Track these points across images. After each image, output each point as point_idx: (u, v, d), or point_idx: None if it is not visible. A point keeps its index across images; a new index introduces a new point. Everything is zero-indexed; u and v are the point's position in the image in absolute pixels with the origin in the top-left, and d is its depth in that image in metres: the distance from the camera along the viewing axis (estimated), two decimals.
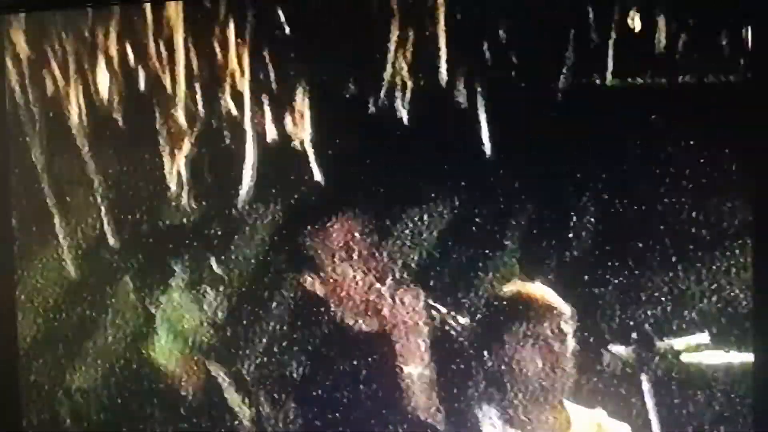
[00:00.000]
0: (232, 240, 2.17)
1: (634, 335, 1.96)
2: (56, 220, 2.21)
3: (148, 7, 2.09)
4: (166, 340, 2.24)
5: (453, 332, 2.00)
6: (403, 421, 1.98)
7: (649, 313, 1.93)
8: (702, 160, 1.88)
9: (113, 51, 2.12)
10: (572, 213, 1.93)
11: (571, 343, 2.02)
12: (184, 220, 2.15)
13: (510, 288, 2.04)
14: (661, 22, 1.83)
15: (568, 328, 2.01)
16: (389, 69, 1.98)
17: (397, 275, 1.99)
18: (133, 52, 2.11)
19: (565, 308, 2.01)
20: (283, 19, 2.03)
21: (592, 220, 1.96)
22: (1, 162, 2.21)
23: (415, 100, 1.98)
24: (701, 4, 1.82)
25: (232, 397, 2.18)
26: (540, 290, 2.03)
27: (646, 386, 1.98)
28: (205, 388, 2.20)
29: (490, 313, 2.05)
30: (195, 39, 2.07)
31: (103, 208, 2.17)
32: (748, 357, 1.93)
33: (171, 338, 2.23)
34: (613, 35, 1.84)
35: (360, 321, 1.99)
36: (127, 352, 2.24)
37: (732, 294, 1.90)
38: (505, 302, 2.05)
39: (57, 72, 2.17)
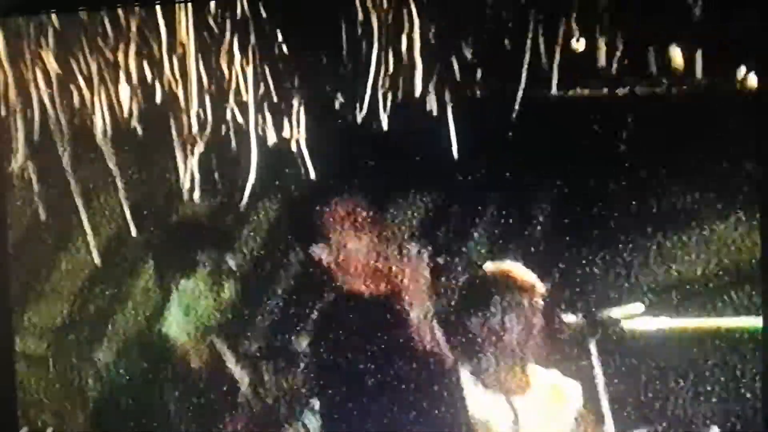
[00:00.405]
0: (238, 229, 2.51)
1: (581, 306, 2.32)
2: (83, 216, 2.53)
3: (162, 29, 2.42)
4: (178, 318, 2.57)
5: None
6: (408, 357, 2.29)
7: (594, 287, 2.29)
8: (637, 156, 2.24)
9: (132, 68, 2.45)
10: (528, 205, 2.29)
11: (541, 314, 2.36)
12: (197, 213, 2.50)
13: (492, 266, 2.38)
14: (601, 43, 2.18)
15: (541, 302, 2.35)
16: (371, 83, 2.33)
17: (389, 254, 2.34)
18: (150, 69, 2.44)
19: (540, 286, 2.35)
20: (281, 40, 2.36)
21: (546, 209, 2.31)
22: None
23: (393, 109, 2.32)
24: (632, 27, 2.17)
25: (234, 368, 2.51)
26: (518, 269, 2.37)
27: (593, 349, 2.33)
28: (210, 360, 2.54)
29: (475, 285, 2.38)
30: (205, 57, 2.41)
31: (125, 205, 2.50)
32: (680, 323, 2.29)
33: (183, 317, 2.57)
34: (558, 55, 2.19)
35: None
36: (144, 329, 2.57)
37: (663, 270, 2.26)
38: (487, 277, 2.39)
39: (83, 86, 2.49)
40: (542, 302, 2.39)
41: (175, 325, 2.57)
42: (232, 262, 2.53)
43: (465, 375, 2.43)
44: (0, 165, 2.56)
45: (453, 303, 2.38)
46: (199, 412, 2.52)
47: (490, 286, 2.39)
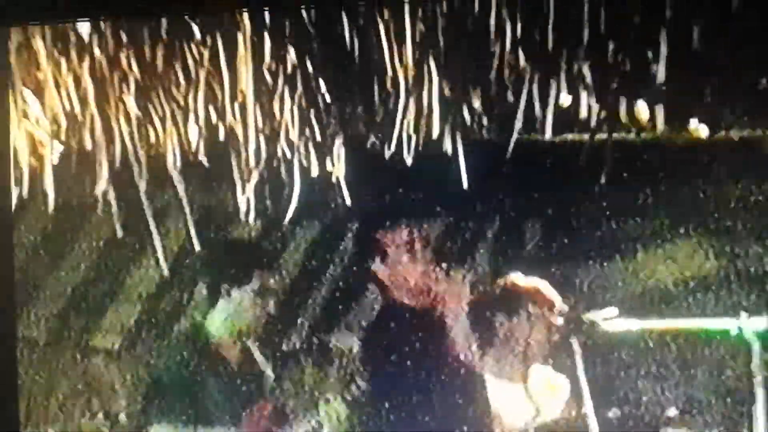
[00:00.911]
0: (283, 246, 3.04)
1: (566, 311, 2.85)
2: (155, 234, 3.05)
3: (226, 79, 2.95)
4: (223, 318, 3.06)
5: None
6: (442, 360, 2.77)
7: (576, 295, 2.83)
8: (612, 188, 2.78)
9: (200, 111, 2.99)
10: (523, 227, 2.83)
11: (554, 321, 2.85)
12: (251, 232, 3.02)
13: (522, 281, 2.87)
14: (583, 99, 2.74)
15: (556, 311, 2.84)
16: (398, 127, 2.87)
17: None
18: (215, 113, 2.98)
19: (557, 298, 2.85)
20: (324, 90, 2.91)
21: (538, 231, 2.85)
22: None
23: (416, 148, 2.87)
24: (608, 86, 2.73)
25: (262, 363, 3.00)
26: (537, 283, 2.86)
27: (575, 346, 2.86)
28: (243, 356, 3.02)
29: (505, 298, 2.86)
30: (260, 103, 2.94)
31: (191, 225, 3.02)
32: (647, 324, 2.82)
33: (229, 322, 3.06)
34: (551, 107, 2.74)
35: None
36: (198, 330, 3.07)
37: (633, 281, 2.80)
38: (516, 291, 2.87)
39: (158, 125, 3.02)
40: (558, 312, 2.87)
41: (221, 328, 3.05)
42: (275, 274, 3.04)
43: (488, 373, 2.93)
44: (85, 190, 3.07)
45: (483, 312, 2.87)
46: (232, 399, 3.01)
47: (518, 299, 2.88)
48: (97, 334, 3.11)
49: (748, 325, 2.70)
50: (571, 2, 2.68)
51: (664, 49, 2.66)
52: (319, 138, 2.92)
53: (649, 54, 2.67)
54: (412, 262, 2.83)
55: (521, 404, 2.94)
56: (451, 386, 2.81)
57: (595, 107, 2.74)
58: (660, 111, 2.70)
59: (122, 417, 3.06)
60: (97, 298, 3.10)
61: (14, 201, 3.02)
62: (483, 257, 2.86)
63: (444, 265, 2.86)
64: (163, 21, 2.92)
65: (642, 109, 2.72)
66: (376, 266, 2.86)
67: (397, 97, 2.86)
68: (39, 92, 3.04)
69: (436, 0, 2.78)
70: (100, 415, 3.08)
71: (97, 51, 2.98)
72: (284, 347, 3.04)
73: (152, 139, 3.03)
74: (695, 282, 2.76)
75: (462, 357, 2.84)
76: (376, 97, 2.87)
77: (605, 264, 2.79)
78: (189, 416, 2.98)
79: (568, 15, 2.70)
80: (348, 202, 2.91)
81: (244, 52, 2.91)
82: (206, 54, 2.94)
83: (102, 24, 2.93)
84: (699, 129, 2.69)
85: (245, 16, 2.89)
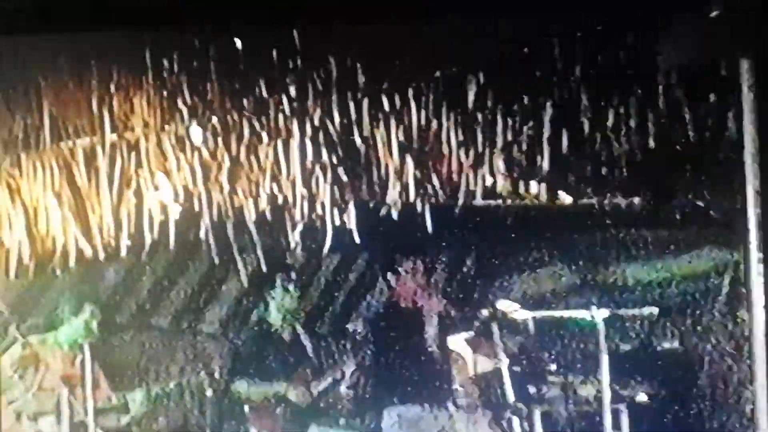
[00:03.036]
0: (318, 267, 4.91)
1: (489, 305, 4.72)
2: (239, 263, 4.92)
3: (283, 168, 4.84)
4: (275, 315, 4.92)
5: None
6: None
7: (493, 297, 4.69)
8: (516, 234, 4.65)
9: (267, 187, 4.87)
10: (465, 257, 4.70)
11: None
12: (297, 263, 4.90)
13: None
14: (499, 179, 4.62)
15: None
16: (388, 195, 4.75)
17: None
18: (278, 188, 4.86)
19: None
20: (343, 174, 4.79)
21: (472, 261, 4.72)
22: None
23: (400, 208, 4.75)
24: (513, 171, 4.62)
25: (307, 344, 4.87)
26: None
27: (494, 329, 4.71)
28: (292, 338, 4.89)
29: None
30: (305, 182, 4.83)
31: (261, 256, 4.90)
32: (539, 314, 4.68)
33: (279, 314, 4.92)
34: (480, 185, 4.63)
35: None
36: (255, 321, 4.94)
37: (527, 288, 4.67)
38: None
39: (240, 194, 4.91)
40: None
41: (274, 318, 4.92)
42: (312, 287, 4.91)
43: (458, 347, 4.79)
44: (194, 234, 4.95)
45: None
46: (283, 365, 4.87)
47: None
48: (203, 322, 4.99)
49: (597, 314, 4.56)
50: (490, 122, 4.58)
51: (546, 152, 4.56)
52: (339, 202, 4.82)
53: (537, 154, 4.57)
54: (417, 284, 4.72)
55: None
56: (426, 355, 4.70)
57: (506, 185, 4.63)
58: (543, 188, 4.60)
59: (216, 373, 4.94)
60: (202, 300, 4.98)
61: (149, 242, 4.91)
62: (441, 276, 4.75)
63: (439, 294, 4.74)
64: (245, 131, 4.82)
65: (533, 186, 4.61)
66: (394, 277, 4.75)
67: (387, 177, 4.76)
68: (166, 173, 4.94)
69: (410, 120, 4.69)
70: (203, 373, 4.95)
71: (204, 151, 4.88)
72: (318, 330, 4.91)
73: (236, 203, 4.92)
74: (564, 288, 4.63)
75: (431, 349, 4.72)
76: (375, 178, 4.77)
77: (512, 278, 4.67)
78: (262, 374, 4.84)
79: (495, 128, 4.60)
80: (357, 241, 4.80)
81: (295, 151, 4.81)
82: (271, 152, 4.84)
83: (206, 135, 4.83)
84: (565, 199, 4.59)
85: (296, 127, 4.79)
